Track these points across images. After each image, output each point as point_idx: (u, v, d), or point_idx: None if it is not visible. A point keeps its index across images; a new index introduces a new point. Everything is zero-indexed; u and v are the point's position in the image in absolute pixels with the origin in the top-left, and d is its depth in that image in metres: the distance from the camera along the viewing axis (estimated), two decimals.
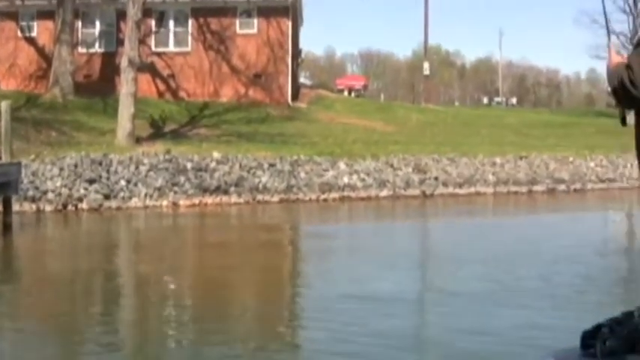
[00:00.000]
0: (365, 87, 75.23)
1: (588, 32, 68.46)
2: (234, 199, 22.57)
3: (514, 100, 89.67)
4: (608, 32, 4.07)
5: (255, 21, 37.78)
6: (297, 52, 44.13)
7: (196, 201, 22.07)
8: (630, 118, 3.68)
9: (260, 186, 23.22)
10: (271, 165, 24.15)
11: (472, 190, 26.22)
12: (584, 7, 77.75)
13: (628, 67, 3.52)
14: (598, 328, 4.58)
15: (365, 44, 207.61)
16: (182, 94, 36.58)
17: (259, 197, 22.88)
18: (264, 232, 18.63)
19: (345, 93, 60.61)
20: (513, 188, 27.04)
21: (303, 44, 50.09)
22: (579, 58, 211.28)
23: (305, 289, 12.13)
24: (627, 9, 50.14)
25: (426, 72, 52.80)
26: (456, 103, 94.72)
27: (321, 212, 22.70)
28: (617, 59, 3.77)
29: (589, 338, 4.56)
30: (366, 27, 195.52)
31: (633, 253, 16.27)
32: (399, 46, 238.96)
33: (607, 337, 4.46)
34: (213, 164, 23.57)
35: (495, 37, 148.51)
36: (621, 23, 50.81)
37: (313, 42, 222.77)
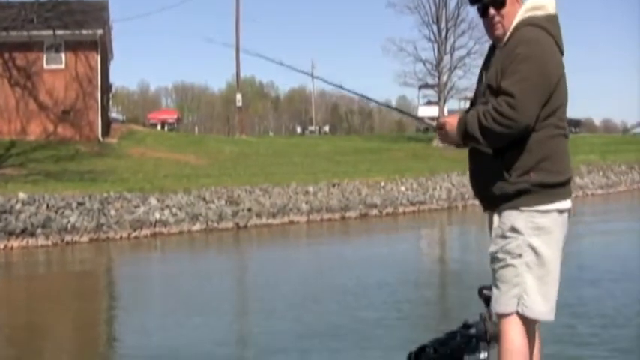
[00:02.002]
0: (178, 120, 74.97)
1: (396, 60, 70.83)
2: (41, 241, 21.74)
3: (327, 129, 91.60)
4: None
5: (63, 56, 36.98)
6: (107, 86, 43.46)
7: (1, 245, 21.17)
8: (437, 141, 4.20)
9: (69, 226, 22.53)
10: (80, 204, 23.51)
11: (285, 219, 26.57)
12: (391, 36, 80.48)
13: (507, 94, 3.94)
14: (422, 348, 4.82)
15: (179, 77, 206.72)
16: None
17: (68, 238, 22.19)
18: (70, 278, 18.04)
19: (159, 127, 60.18)
20: (327, 216, 27.61)
21: (116, 79, 49.50)
22: (390, 85, 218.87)
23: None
24: (432, 37, 52.40)
25: (239, 103, 53.18)
26: (271, 134, 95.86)
27: (132, 251, 22.25)
28: (453, 117, 4.25)
29: (414, 359, 4.79)
30: (180, 60, 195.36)
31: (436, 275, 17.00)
32: (214, 78, 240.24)
33: (431, 356, 4.71)
34: (18, 205, 22.62)
35: (308, 66, 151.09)
36: (427, 51, 53.12)
37: (127, 76, 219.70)
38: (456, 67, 52.12)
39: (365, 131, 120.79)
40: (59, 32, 35.20)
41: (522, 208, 4.05)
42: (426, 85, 56.64)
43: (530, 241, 4.03)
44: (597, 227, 23.16)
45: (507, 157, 4.06)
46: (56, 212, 22.91)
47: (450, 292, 14.34)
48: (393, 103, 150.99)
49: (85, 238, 22.49)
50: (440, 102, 52.77)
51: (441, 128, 4.28)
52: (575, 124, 76.42)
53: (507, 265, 4.07)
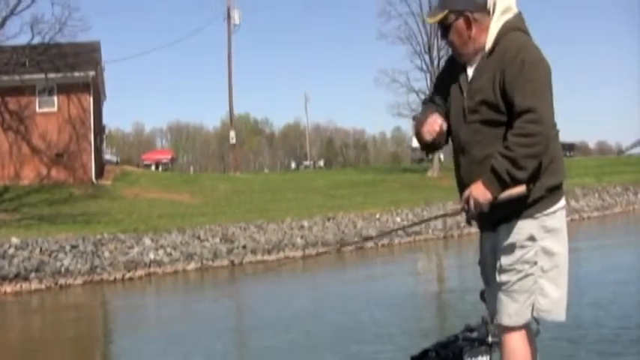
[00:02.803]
0: (172, 160, 75.12)
1: (389, 91, 71.19)
2: (34, 285, 21.59)
3: (322, 163, 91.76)
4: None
5: (55, 99, 37.01)
6: (100, 128, 43.47)
7: None
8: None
9: (62, 269, 22.38)
10: (73, 246, 23.37)
11: (281, 255, 26.42)
12: (384, 67, 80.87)
13: (527, 111, 3.80)
14: (425, 352, 4.77)
15: (174, 117, 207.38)
16: None
17: (62, 281, 22.02)
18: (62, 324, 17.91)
19: (153, 167, 60.19)
20: (322, 249, 27.44)
21: (110, 121, 49.56)
22: (384, 117, 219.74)
23: None
24: (424, 67, 52.60)
25: (233, 141, 53.20)
26: (266, 170, 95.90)
27: (125, 293, 22.03)
28: (474, 186, 4.00)
29: None
30: (174, 100, 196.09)
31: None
32: (208, 117, 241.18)
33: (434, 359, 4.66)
34: (11, 250, 22.51)
35: (302, 102, 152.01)
36: (419, 81, 53.33)
37: (121, 118, 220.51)
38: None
39: (360, 164, 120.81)
40: (51, 75, 35.25)
41: (536, 215, 4.01)
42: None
43: (543, 245, 4.01)
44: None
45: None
46: (49, 256, 22.78)
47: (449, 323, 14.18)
48: (388, 135, 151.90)
49: (78, 281, 22.32)
50: None
51: (467, 202, 4.00)
52: (570, 147, 76.63)
53: (527, 275, 4.01)
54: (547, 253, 4.00)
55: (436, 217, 4.67)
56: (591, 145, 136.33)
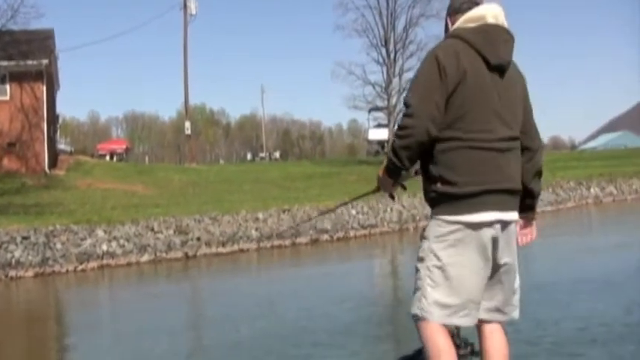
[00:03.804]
0: (127, 150, 74.40)
1: (345, 83, 71.22)
2: None
3: (277, 155, 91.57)
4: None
5: (8, 87, 36.44)
6: (54, 117, 42.93)
7: None
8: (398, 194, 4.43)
9: (13, 261, 22.07)
10: (24, 238, 23.06)
11: (235, 247, 26.27)
12: (340, 59, 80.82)
13: (404, 105, 4.19)
14: None
15: (130, 107, 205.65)
16: None
17: (12, 273, 21.71)
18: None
19: (108, 158, 59.59)
20: (277, 242, 27.37)
21: (65, 110, 48.90)
22: (340, 109, 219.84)
23: None
24: (381, 60, 52.67)
25: (188, 131, 52.80)
26: (221, 161, 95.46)
27: (78, 286, 21.77)
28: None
29: None
30: (129, 90, 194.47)
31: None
32: (164, 108, 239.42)
33: None
34: None
35: (259, 93, 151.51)
36: (376, 74, 53.39)
37: (76, 107, 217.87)
38: (405, 90, 52.29)
39: (317, 156, 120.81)
40: (3, 63, 34.71)
41: (434, 216, 4.24)
42: (376, 108, 56.92)
43: (432, 247, 4.17)
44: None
45: (423, 167, 4.30)
46: (0, 247, 22.45)
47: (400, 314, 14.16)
48: (345, 127, 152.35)
49: (30, 273, 21.99)
50: (390, 124, 52.90)
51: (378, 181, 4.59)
52: None
53: (417, 270, 4.26)
54: (437, 257, 4.15)
55: (360, 197, 5.68)
56: (545, 139, 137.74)
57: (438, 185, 4.14)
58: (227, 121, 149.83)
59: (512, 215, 4.27)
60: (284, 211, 29.71)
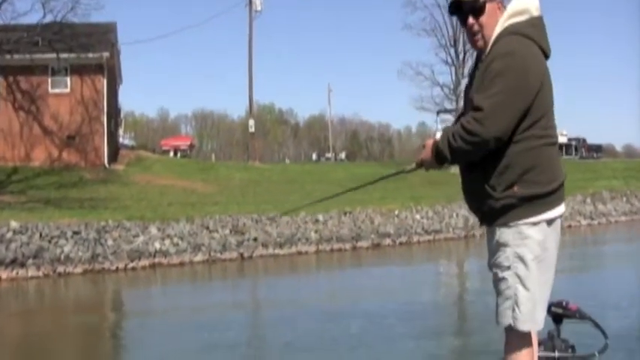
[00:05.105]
0: (191, 147, 74.02)
1: (412, 84, 69.75)
2: (31, 272, 20.46)
3: (343, 155, 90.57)
4: None
5: (68, 79, 36.03)
6: (115, 111, 42.47)
7: None
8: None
9: (62, 257, 21.25)
10: (75, 233, 22.25)
11: (293, 249, 25.19)
12: (408, 59, 79.54)
13: (476, 109, 3.87)
14: None
15: (199, 105, 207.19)
16: None
17: (60, 269, 20.88)
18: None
19: (171, 154, 59.23)
20: (337, 245, 26.21)
21: (136, 106, 48.70)
22: (409, 112, 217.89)
23: None
24: (450, 60, 51.17)
25: (252, 129, 51.96)
26: (287, 161, 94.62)
27: (127, 285, 20.88)
28: (431, 139, 4.25)
29: None
30: (199, 88, 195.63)
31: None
32: (233, 106, 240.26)
33: None
34: (9, 234, 21.41)
35: (325, 91, 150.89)
36: (444, 75, 51.90)
37: (146, 104, 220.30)
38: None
39: (385, 158, 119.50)
40: (64, 55, 34.16)
41: (510, 224, 4.01)
42: (444, 111, 55.20)
43: (518, 252, 4.00)
44: None
45: (489, 172, 4.02)
46: (49, 241, 21.69)
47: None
48: (414, 130, 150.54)
49: (78, 269, 21.18)
50: None
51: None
52: (597, 149, 75.29)
53: (500, 279, 4.08)
54: (524, 262, 4.00)
55: (395, 174, 5.21)
56: (618, 147, 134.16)
57: (515, 189, 3.96)
58: (295, 120, 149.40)
59: None
60: (345, 214, 28.50)
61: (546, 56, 4.10)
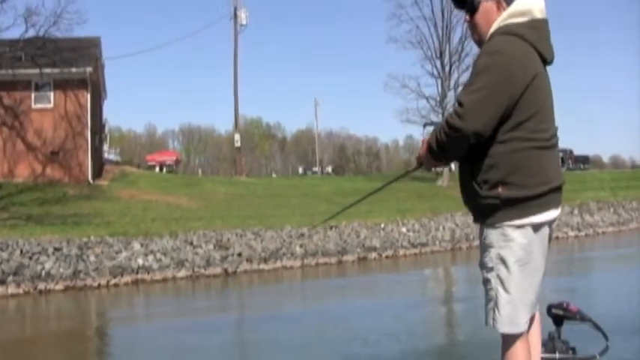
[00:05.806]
0: (177, 162, 73.63)
1: (398, 96, 69.62)
2: (12, 289, 20.23)
3: (330, 169, 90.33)
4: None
5: (52, 95, 35.72)
6: (100, 126, 42.19)
7: None
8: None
9: (43, 273, 21.02)
10: (57, 249, 22.02)
11: (278, 264, 24.99)
12: (393, 72, 79.41)
13: (458, 104, 3.89)
14: None
15: (186, 120, 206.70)
16: None
17: (41, 286, 20.63)
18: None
19: (157, 169, 58.91)
20: (322, 260, 26.03)
21: (122, 121, 48.55)
22: (397, 125, 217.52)
23: None
24: (435, 73, 51.04)
25: (237, 144, 51.75)
26: (274, 175, 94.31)
27: (108, 302, 20.57)
28: (426, 139, 4.19)
29: None
30: (185, 103, 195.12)
31: None
32: (220, 121, 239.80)
33: None
34: None
35: (312, 105, 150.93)
36: (430, 87, 51.73)
37: (133, 119, 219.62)
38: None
39: (372, 172, 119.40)
40: (47, 70, 33.89)
41: (496, 225, 3.98)
42: (431, 123, 55.02)
43: (501, 254, 3.98)
44: None
45: (475, 170, 4.00)
46: (30, 258, 21.46)
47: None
48: (401, 143, 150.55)
49: (59, 286, 20.94)
50: None
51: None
52: (584, 160, 75.44)
53: (485, 280, 4.08)
54: (503, 262, 3.98)
55: (403, 175, 5.37)
56: (605, 158, 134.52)
57: (499, 190, 3.92)
58: (283, 135, 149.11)
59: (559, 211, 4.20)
60: (331, 228, 28.33)
61: (545, 60, 4.09)
